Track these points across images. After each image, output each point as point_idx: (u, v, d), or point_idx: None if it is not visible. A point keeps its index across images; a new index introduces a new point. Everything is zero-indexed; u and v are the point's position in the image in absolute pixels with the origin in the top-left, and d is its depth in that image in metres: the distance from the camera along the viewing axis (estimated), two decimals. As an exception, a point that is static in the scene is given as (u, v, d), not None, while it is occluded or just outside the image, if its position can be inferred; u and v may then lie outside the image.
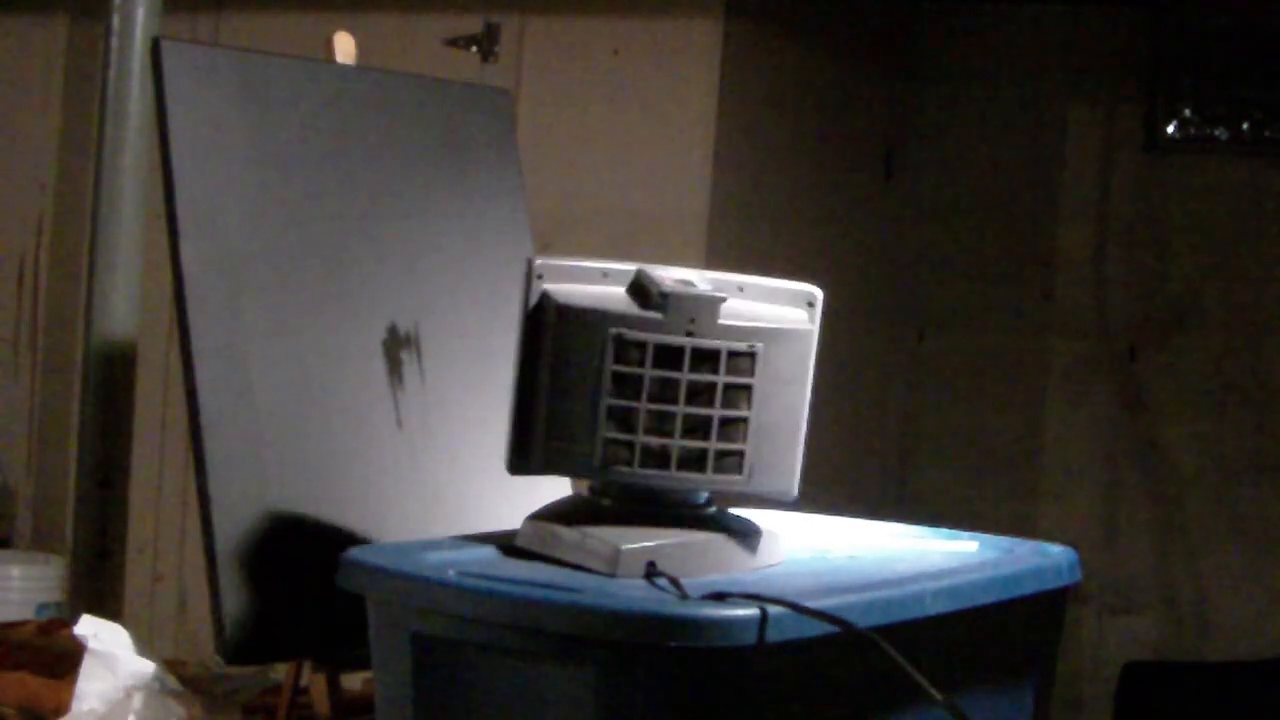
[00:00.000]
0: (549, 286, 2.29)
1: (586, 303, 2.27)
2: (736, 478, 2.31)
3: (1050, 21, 5.40)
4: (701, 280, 2.33)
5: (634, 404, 2.26)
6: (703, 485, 2.31)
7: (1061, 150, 5.38)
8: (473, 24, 4.72)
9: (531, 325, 2.29)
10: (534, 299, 2.29)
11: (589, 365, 2.25)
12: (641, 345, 2.26)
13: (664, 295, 2.27)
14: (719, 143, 4.54)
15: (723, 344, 2.29)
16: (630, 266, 2.31)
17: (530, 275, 2.30)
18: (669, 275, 2.31)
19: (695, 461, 2.29)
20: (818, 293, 2.40)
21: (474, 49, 4.70)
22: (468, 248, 2.98)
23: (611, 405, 2.25)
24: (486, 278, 2.99)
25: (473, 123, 3.06)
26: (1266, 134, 5.21)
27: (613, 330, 2.25)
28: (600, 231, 4.53)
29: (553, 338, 2.27)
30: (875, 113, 5.37)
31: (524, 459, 2.30)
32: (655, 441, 2.27)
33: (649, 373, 2.26)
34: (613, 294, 2.29)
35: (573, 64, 4.67)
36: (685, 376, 2.27)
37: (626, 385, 2.26)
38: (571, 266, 2.32)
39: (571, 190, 4.59)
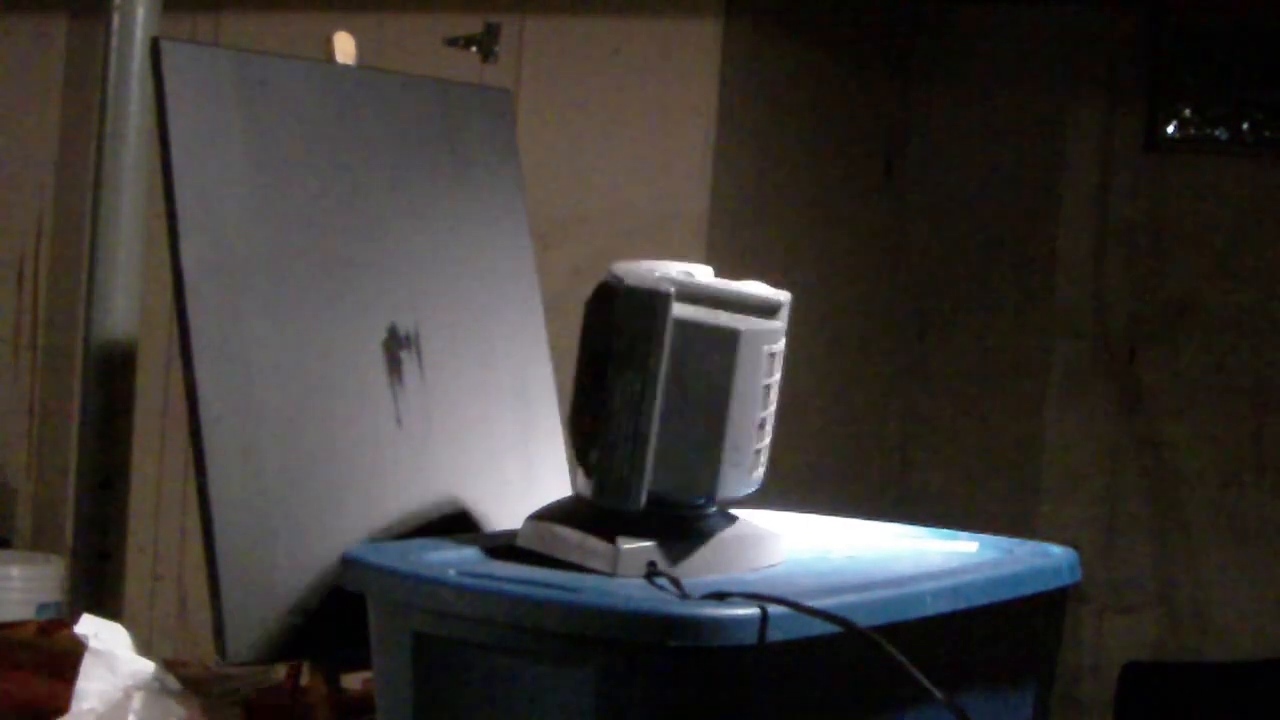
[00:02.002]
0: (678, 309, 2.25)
1: (712, 321, 2.28)
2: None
3: (1050, 21, 5.40)
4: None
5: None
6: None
7: (1061, 150, 5.38)
8: (473, 24, 4.72)
9: (648, 349, 2.24)
10: (664, 323, 2.24)
11: (709, 383, 2.25)
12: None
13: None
14: (719, 143, 4.54)
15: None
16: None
17: (656, 301, 2.24)
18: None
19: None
20: (781, 297, 2.37)
21: (474, 49, 4.70)
22: (468, 248, 2.97)
23: (763, 418, 2.27)
24: (486, 277, 2.98)
25: (473, 123, 3.05)
26: (1266, 134, 5.21)
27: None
28: (600, 231, 4.53)
29: (673, 359, 2.25)
30: (875, 113, 5.37)
31: (633, 490, 2.26)
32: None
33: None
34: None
35: (573, 64, 4.67)
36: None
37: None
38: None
39: (571, 190, 4.59)
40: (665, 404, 2.23)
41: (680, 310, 2.24)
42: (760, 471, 2.34)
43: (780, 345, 2.32)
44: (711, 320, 2.26)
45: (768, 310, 2.31)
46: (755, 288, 2.32)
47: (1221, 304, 5.22)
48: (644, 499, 2.23)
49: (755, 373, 2.27)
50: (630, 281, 2.24)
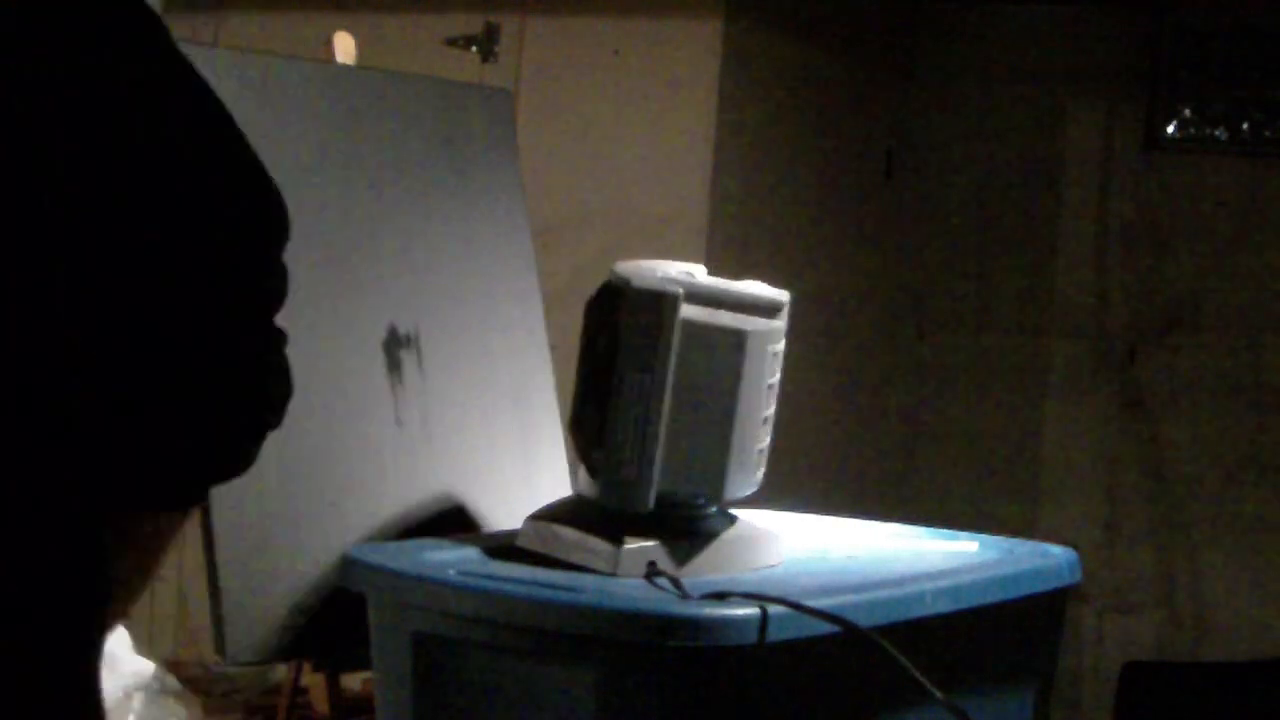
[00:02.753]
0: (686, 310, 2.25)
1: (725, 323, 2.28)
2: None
3: (1050, 21, 5.40)
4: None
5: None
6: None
7: (1061, 150, 5.38)
8: (473, 24, 4.72)
9: (655, 350, 2.24)
10: (673, 324, 2.23)
11: (715, 383, 2.26)
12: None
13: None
14: (719, 143, 4.54)
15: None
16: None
17: (664, 302, 2.24)
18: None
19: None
20: (783, 297, 2.37)
21: (474, 49, 4.70)
22: (468, 247, 2.98)
23: (766, 417, 2.27)
24: (486, 277, 2.99)
25: (473, 123, 3.06)
26: (1266, 134, 5.21)
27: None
28: (600, 231, 4.53)
29: (680, 359, 2.25)
30: (875, 113, 5.37)
31: (641, 491, 2.26)
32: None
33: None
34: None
35: (573, 64, 4.67)
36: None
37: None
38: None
39: (571, 190, 4.59)
40: (672, 405, 2.24)
41: (687, 311, 2.24)
42: (762, 471, 2.35)
43: (781, 344, 2.32)
44: (717, 321, 2.26)
45: (770, 310, 2.31)
46: (757, 288, 2.32)
47: (1221, 304, 5.22)
48: (652, 501, 2.24)
49: (760, 372, 2.28)
50: (637, 283, 2.24)
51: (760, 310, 2.30)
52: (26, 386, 1.39)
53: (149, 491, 1.51)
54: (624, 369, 2.23)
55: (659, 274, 2.26)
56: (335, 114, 2.83)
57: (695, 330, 2.24)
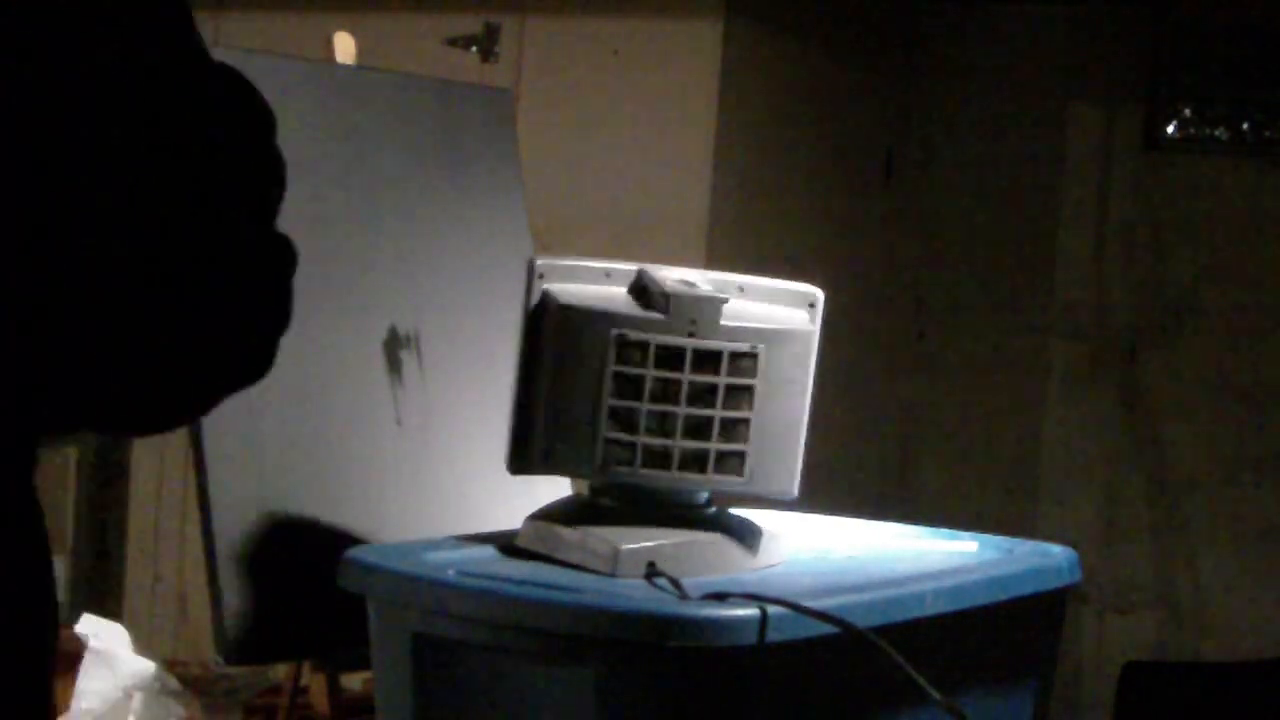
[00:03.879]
0: (551, 286, 2.29)
1: (589, 303, 2.27)
2: (737, 479, 2.32)
3: (1050, 21, 5.40)
4: (703, 281, 2.33)
5: (636, 404, 2.26)
6: (704, 486, 2.31)
7: (1061, 150, 5.38)
8: (473, 24, 4.72)
9: (533, 325, 2.29)
10: (535, 299, 2.29)
11: (591, 366, 2.25)
12: (644, 346, 2.26)
13: (666, 296, 2.27)
14: (719, 143, 4.54)
15: (724, 345, 2.29)
16: (632, 266, 2.31)
17: (532, 275, 2.29)
18: (671, 276, 2.31)
19: (696, 462, 2.29)
20: (819, 293, 2.40)
21: (474, 49, 4.70)
22: (468, 247, 2.98)
23: (613, 406, 2.25)
24: (486, 277, 2.99)
25: (473, 123, 3.06)
26: (1266, 134, 5.21)
27: (615, 331, 2.25)
28: (600, 231, 4.53)
29: (554, 338, 2.27)
30: (875, 113, 5.37)
31: (524, 459, 2.29)
32: (657, 442, 2.27)
33: (651, 373, 2.26)
34: (614, 294, 2.29)
35: (573, 64, 4.67)
36: (686, 377, 2.28)
37: (628, 386, 2.26)
38: (573, 266, 2.32)
39: (571, 190, 4.59)
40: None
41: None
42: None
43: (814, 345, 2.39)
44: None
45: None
46: (793, 286, 2.36)
47: (1221, 304, 5.22)
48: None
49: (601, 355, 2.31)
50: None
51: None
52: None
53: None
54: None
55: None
56: (335, 114, 2.83)
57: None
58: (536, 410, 2.27)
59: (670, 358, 2.27)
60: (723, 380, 2.29)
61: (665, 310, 2.26)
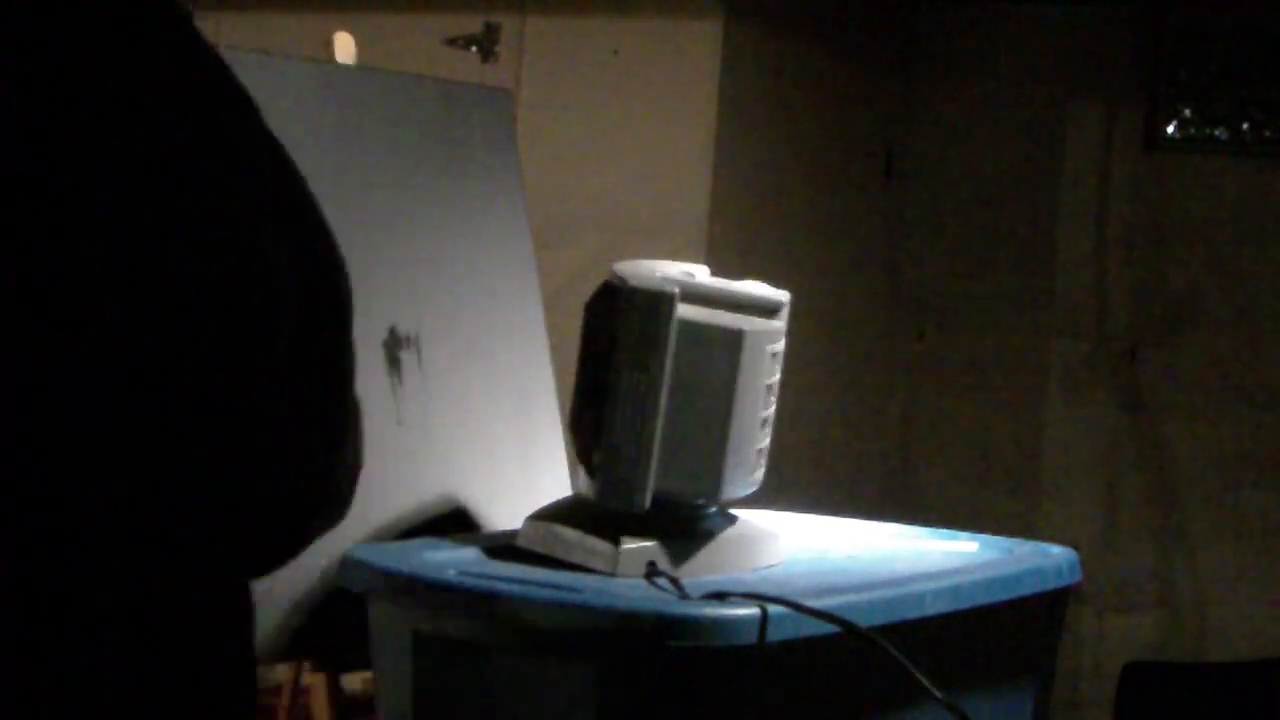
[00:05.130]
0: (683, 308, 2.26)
1: (724, 321, 2.28)
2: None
3: (1050, 21, 5.40)
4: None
5: (766, 414, 2.28)
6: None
7: (1061, 150, 5.38)
8: (473, 24, 4.72)
9: (653, 350, 2.25)
10: (669, 321, 2.24)
11: (712, 383, 2.26)
12: (775, 355, 2.29)
13: (778, 302, 2.30)
14: (719, 143, 4.54)
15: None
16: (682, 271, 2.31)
17: (664, 301, 2.24)
18: (722, 284, 2.31)
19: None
20: (782, 297, 2.37)
21: (474, 49, 4.70)
22: (468, 247, 2.98)
23: (764, 417, 2.28)
24: (486, 277, 2.99)
25: (473, 123, 3.06)
26: (1266, 134, 5.21)
27: (771, 346, 2.28)
28: (600, 231, 4.53)
29: (678, 359, 2.25)
30: (875, 113, 5.37)
31: (638, 491, 2.26)
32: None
33: (776, 380, 2.29)
34: (735, 318, 2.31)
35: (573, 64, 4.67)
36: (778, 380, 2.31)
37: (767, 398, 2.29)
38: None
39: (571, 190, 4.59)
40: (670, 405, 2.24)
41: (684, 311, 2.24)
42: (761, 471, 2.35)
43: (781, 345, 2.32)
44: (715, 320, 2.26)
45: (769, 310, 2.31)
46: (756, 288, 2.32)
47: (1222, 304, 5.22)
48: (649, 500, 2.23)
49: (758, 372, 2.28)
50: (634, 282, 2.24)
51: (759, 310, 2.30)
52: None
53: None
54: (622, 369, 2.24)
55: (657, 274, 2.26)
56: (335, 114, 2.83)
57: (693, 330, 2.25)
58: (649, 437, 2.24)
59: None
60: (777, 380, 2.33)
61: (776, 314, 2.29)
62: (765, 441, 2.33)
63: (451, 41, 4.70)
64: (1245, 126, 5.23)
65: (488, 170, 3.05)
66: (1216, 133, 5.26)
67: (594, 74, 4.64)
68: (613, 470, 2.24)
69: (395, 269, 2.84)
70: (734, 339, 2.26)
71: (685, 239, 4.47)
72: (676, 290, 2.24)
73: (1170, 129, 5.28)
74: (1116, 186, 5.32)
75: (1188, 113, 5.28)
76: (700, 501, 2.34)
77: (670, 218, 4.52)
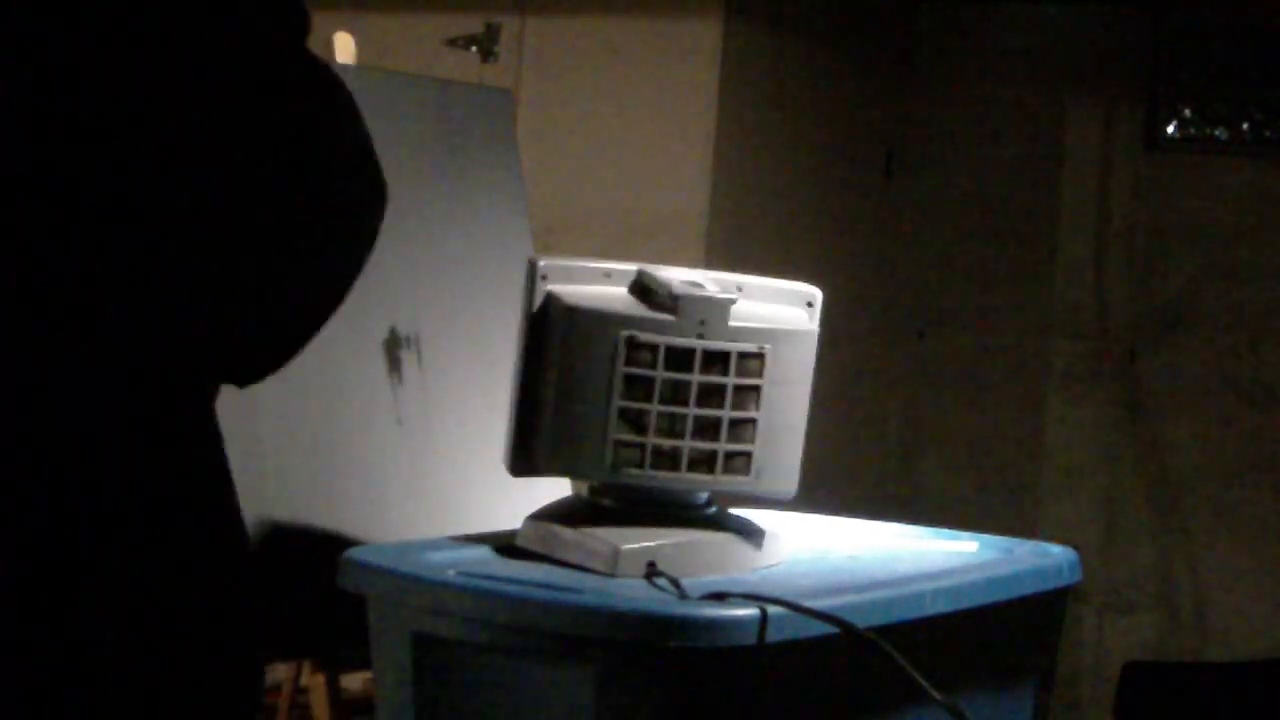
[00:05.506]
0: (554, 287, 2.28)
1: (596, 304, 2.27)
2: (743, 478, 2.32)
3: (1050, 21, 5.40)
4: (706, 280, 2.33)
5: (647, 406, 2.26)
6: (710, 486, 2.32)
7: (1061, 150, 5.38)
8: (473, 24, 4.72)
9: (537, 326, 2.28)
10: (539, 300, 2.29)
11: (600, 367, 2.25)
12: (653, 347, 2.26)
13: (675, 297, 2.27)
14: (719, 143, 4.54)
15: (733, 346, 2.29)
16: (631, 266, 2.31)
17: (534, 276, 2.29)
18: (675, 276, 2.31)
19: (704, 462, 2.29)
20: (817, 293, 2.40)
21: (474, 49, 4.70)
22: (468, 247, 2.98)
23: (623, 407, 2.25)
24: (486, 277, 2.99)
25: (473, 123, 3.06)
26: (1266, 134, 5.21)
27: (624, 332, 2.25)
28: (600, 231, 4.53)
29: (561, 339, 2.27)
30: (875, 112, 5.37)
31: (528, 461, 2.29)
32: (666, 443, 2.27)
33: (661, 374, 2.26)
34: (618, 294, 2.29)
35: (573, 64, 4.67)
36: (696, 378, 2.28)
37: (637, 387, 2.26)
38: (574, 266, 2.31)
39: (571, 190, 4.59)
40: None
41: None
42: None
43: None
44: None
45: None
46: (792, 286, 2.36)
47: (1221, 304, 5.22)
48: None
49: (609, 356, 2.31)
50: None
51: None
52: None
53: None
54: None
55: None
56: (335, 114, 2.83)
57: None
58: (541, 412, 2.27)
59: (679, 358, 2.27)
60: (731, 380, 2.29)
61: (673, 311, 2.26)
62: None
63: (451, 41, 4.70)
64: (1245, 126, 5.23)
65: (488, 170, 3.05)
66: (1216, 133, 5.26)
67: (594, 74, 4.64)
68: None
69: (395, 269, 2.84)
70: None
71: (685, 239, 4.47)
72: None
73: (1170, 129, 5.28)
74: (1116, 186, 5.32)
75: (1188, 113, 5.28)
76: (699, 501, 2.34)
77: (670, 218, 4.52)
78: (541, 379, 2.27)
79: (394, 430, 2.75)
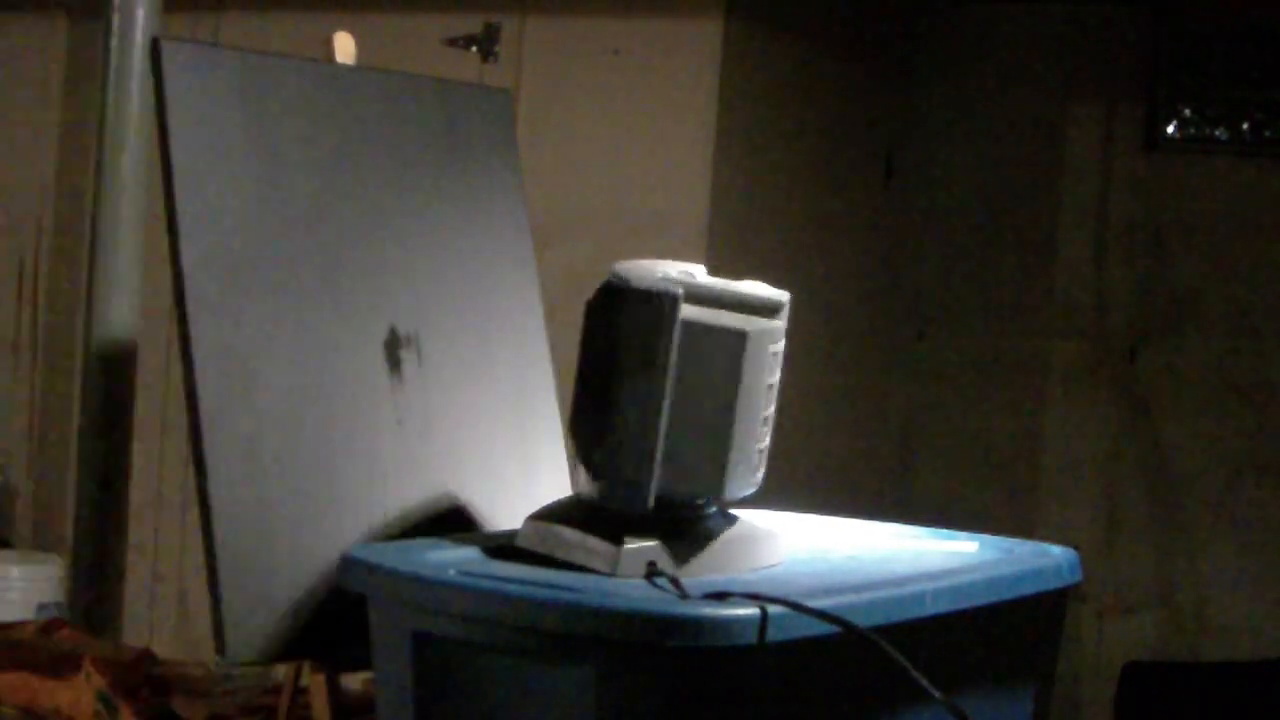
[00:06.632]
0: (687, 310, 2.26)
1: (724, 322, 2.29)
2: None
3: (1050, 21, 5.40)
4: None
5: (768, 414, 2.28)
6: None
7: (1061, 150, 5.38)
8: (473, 24, 4.72)
9: (655, 350, 2.24)
10: (672, 325, 2.24)
11: (714, 383, 2.26)
12: (776, 355, 2.30)
13: (778, 302, 2.30)
14: (719, 143, 4.54)
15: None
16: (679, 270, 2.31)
17: (666, 301, 2.23)
18: (723, 285, 2.31)
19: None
20: (780, 296, 2.38)
21: (474, 49, 4.70)
22: (468, 247, 2.98)
23: (766, 417, 2.28)
24: (486, 277, 2.99)
25: (473, 123, 3.06)
26: (1266, 134, 5.21)
27: (773, 348, 2.29)
28: (600, 231, 4.53)
29: (680, 360, 2.25)
30: (875, 113, 5.37)
31: (642, 491, 2.26)
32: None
33: (776, 380, 2.29)
34: (736, 317, 2.31)
35: (573, 64, 4.67)
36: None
37: (765, 397, 2.29)
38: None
39: (571, 190, 4.59)
40: (672, 405, 2.24)
41: (687, 311, 2.24)
42: (762, 471, 2.35)
43: (781, 345, 2.32)
44: (717, 321, 2.26)
45: (770, 310, 2.31)
46: (757, 288, 2.32)
47: (1222, 303, 5.22)
48: (652, 500, 2.24)
49: (760, 372, 2.28)
50: (636, 283, 2.24)
51: (760, 310, 2.30)
52: None
53: None
54: (624, 369, 2.24)
55: (658, 274, 2.26)
56: (335, 114, 2.83)
57: (695, 330, 2.25)
58: (652, 437, 2.24)
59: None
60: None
61: (777, 314, 2.29)
62: (766, 441, 2.33)
63: (451, 41, 4.70)
64: (1245, 126, 5.23)
65: (488, 170, 3.05)
66: (1216, 133, 5.26)
67: (594, 74, 4.64)
68: (616, 471, 2.24)
69: (395, 269, 2.83)
70: (736, 339, 2.26)
71: (685, 239, 4.47)
72: (680, 291, 2.24)
73: (1170, 129, 5.28)
74: (1116, 186, 5.33)
75: (1188, 113, 5.28)
76: (699, 501, 2.34)
77: (670, 218, 4.52)
78: (660, 402, 2.24)
79: (394, 430, 2.75)
